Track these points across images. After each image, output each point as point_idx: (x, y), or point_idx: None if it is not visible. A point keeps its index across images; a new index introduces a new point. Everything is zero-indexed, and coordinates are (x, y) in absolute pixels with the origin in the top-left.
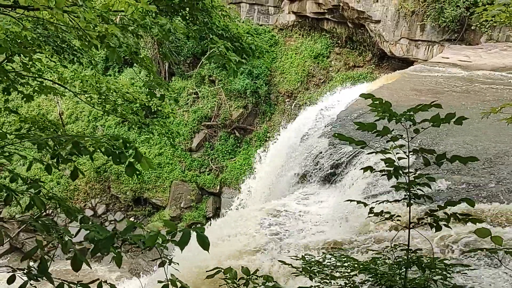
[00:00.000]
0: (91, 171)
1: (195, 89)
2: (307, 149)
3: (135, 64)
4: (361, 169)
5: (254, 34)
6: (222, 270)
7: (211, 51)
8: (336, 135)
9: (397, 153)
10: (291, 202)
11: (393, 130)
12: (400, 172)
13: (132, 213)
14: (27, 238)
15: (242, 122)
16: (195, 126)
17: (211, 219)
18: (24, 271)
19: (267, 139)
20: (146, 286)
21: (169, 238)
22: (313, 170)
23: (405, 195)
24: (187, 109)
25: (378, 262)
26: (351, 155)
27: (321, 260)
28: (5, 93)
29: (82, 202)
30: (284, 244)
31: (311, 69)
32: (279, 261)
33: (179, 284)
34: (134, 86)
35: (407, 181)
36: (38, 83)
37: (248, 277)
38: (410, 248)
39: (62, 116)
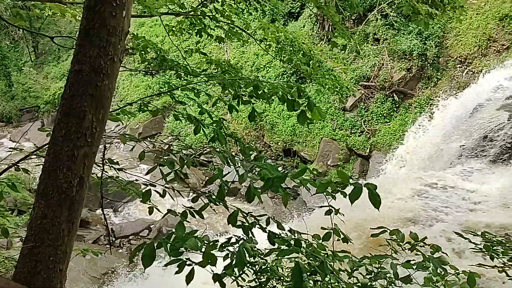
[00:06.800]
0: (261, 119)
1: (357, 47)
2: (480, 121)
3: (300, 18)
4: None
5: None
6: (388, 231)
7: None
8: None
9: None
10: (452, 177)
11: None
12: None
13: (281, 162)
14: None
15: (403, 85)
16: (352, 85)
17: (357, 180)
18: (206, 194)
19: (430, 106)
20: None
21: (340, 189)
22: (484, 145)
23: None
24: (346, 67)
25: None
26: None
27: (503, 241)
28: (198, 35)
29: (238, 146)
30: (441, 219)
31: (493, 33)
32: (456, 233)
33: (341, 235)
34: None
35: None
36: (229, 28)
37: (415, 242)
38: None
39: None
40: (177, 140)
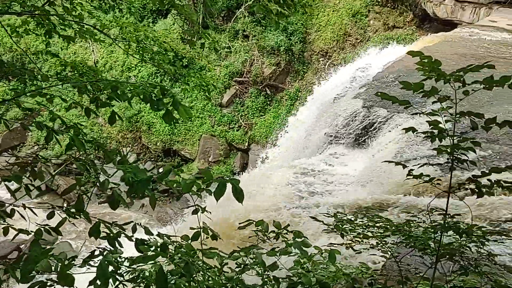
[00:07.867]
0: (123, 120)
1: (228, 44)
2: (339, 110)
3: (169, 15)
4: (403, 129)
5: None
6: (254, 222)
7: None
8: (379, 93)
9: (444, 116)
10: (319, 162)
11: (440, 91)
12: (445, 134)
13: (161, 163)
14: (62, 181)
15: (274, 79)
16: (226, 81)
17: (238, 174)
18: (63, 208)
19: (298, 98)
20: (177, 233)
21: (204, 187)
22: (344, 131)
23: (447, 159)
24: (219, 63)
25: (412, 225)
26: (384, 118)
27: (353, 219)
28: (47, 36)
29: (100, 151)
30: (310, 203)
31: (348, 28)
32: (311, 217)
33: (210, 232)
34: (169, 37)
35: (451, 144)
36: (79, 27)
37: (279, 231)
38: (448, 213)
39: (96, 65)
40: (45, 149)
